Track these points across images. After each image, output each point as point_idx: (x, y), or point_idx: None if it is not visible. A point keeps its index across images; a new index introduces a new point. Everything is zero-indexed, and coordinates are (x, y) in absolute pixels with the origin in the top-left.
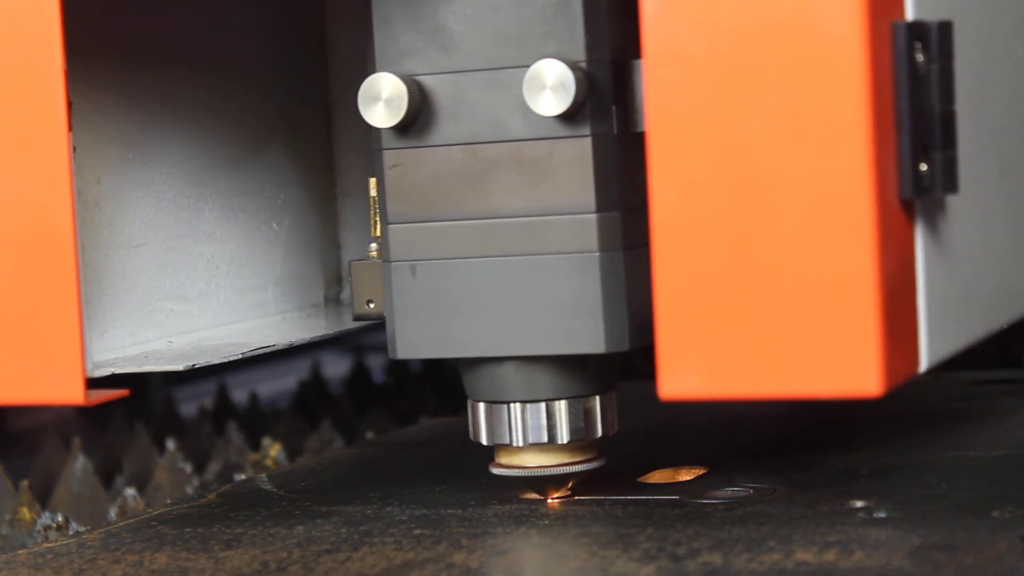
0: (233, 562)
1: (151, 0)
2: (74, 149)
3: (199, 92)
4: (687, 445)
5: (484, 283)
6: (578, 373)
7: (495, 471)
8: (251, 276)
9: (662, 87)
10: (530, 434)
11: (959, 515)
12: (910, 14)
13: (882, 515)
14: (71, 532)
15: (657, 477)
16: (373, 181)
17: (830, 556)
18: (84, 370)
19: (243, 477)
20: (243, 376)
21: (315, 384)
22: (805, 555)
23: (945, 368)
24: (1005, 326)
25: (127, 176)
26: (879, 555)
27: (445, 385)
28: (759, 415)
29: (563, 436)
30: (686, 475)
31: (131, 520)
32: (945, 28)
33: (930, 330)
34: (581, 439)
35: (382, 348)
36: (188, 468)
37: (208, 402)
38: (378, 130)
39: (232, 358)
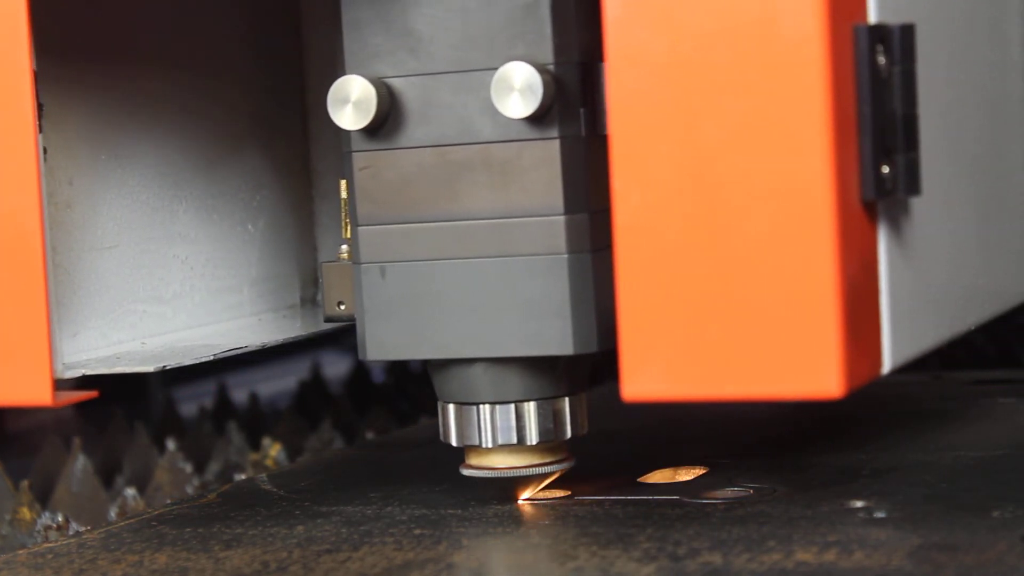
0: (233, 562)
1: (127, 3)
2: (45, 151)
3: (173, 93)
4: (687, 445)
5: (453, 285)
6: (547, 374)
7: (465, 472)
8: (226, 278)
9: (625, 90)
10: (499, 435)
11: (959, 515)
12: (872, 17)
13: (882, 515)
14: (71, 532)
15: (657, 477)
16: (344, 183)
17: (830, 556)
18: (52, 371)
19: (243, 477)
20: (243, 376)
21: (315, 384)
22: (805, 555)
23: (945, 368)
24: (973, 327)
25: (100, 177)
26: (879, 555)
27: None
28: (759, 415)
29: (532, 437)
30: (686, 475)
31: (131, 520)
32: (907, 31)
33: (894, 331)
34: (550, 440)
35: None
36: (188, 468)
37: (208, 402)
38: (348, 132)
39: (204, 359)
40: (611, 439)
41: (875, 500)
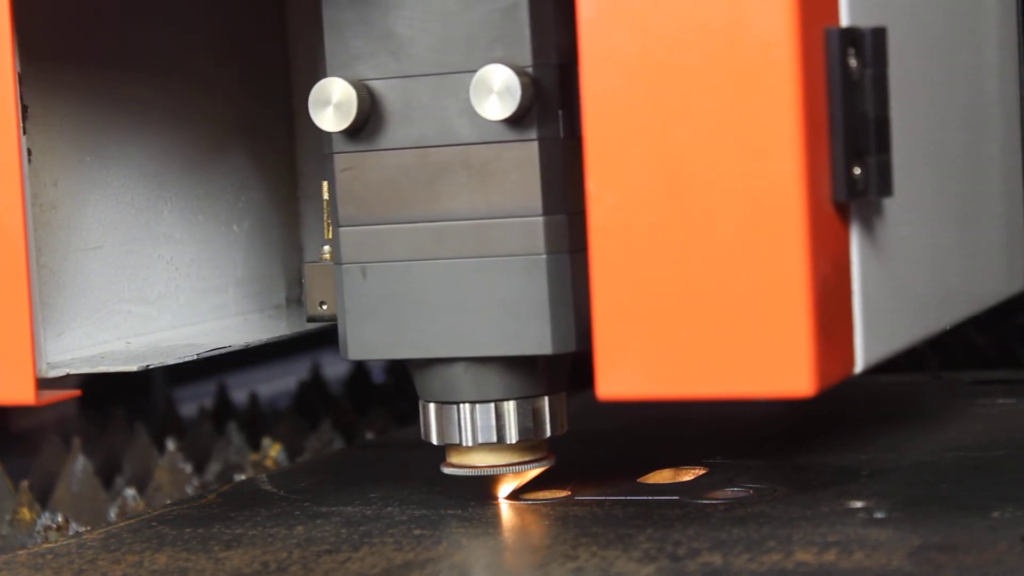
0: (233, 562)
1: (109, 3)
2: (30, 152)
3: (158, 95)
4: (687, 445)
5: (433, 285)
6: (527, 374)
7: (446, 471)
8: (211, 278)
9: (599, 92)
10: (480, 434)
11: (959, 515)
12: (844, 20)
13: (882, 515)
14: (71, 532)
15: (657, 477)
16: (325, 184)
17: (830, 556)
18: (36, 371)
19: (243, 477)
20: (243, 376)
21: (315, 384)
22: (805, 555)
23: (945, 368)
24: (949, 327)
25: (85, 178)
26: (879, 555)
27: None
28: (759, 415)
29: (512, 436)
30: (686, 475)
31: (131, 520)
32: (879, 34)
33: (867, 331)
34: (530, 439)
35: None
36: (188, 468)
37: (208, 402)
38: (329, 134)
39: (187, 358)
40: (611, 439)
41: (875, 500)
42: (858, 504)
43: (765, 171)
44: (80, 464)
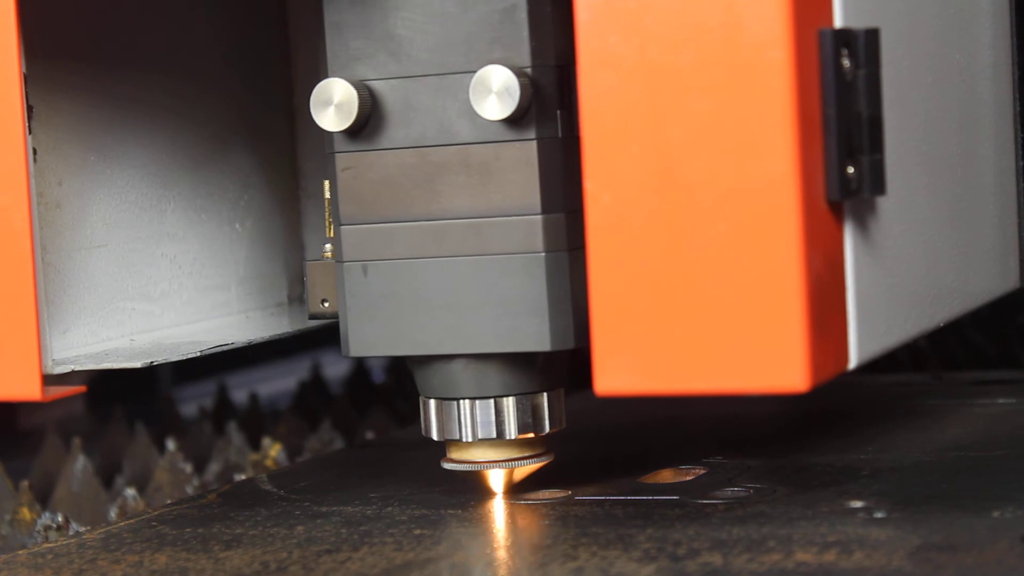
0: (233, 562)
1: (116, 5)
2: (35, 151)
3: (161, 94)
4: (687, 445)
5: (434, 283)
6: (526, 370)
7: (446, 466)
8: (214, 276)
9: (595, 92)
10: (479, 430)
11: (959, 515)
12: (838, 21)
13: (882, 515)
14: (71, 532)
15: (657, 477)
16: (327, 183)
17: (830, 556)
18: (42, 367)
19: (243, 477)
20: (243, 376)
21: (315, 384)
22: (805, 555)
23: (945, 368)
24: (941, 324)
25: (89, 178)
26: (879, 555)
27: None
28: (758, 415)
29: (511, 432)
30: (686, 475)
31: (131, 520)
32: (872, 35)
33: (860, 328)
34: (529, 435)
35: None
36: (188, 468)
37: (208, 402)
38: (330, 134)
39: (191, 355)
40: (611, 439)
41: (875, 500)
42: (858, 504)
43: (760, 170)
44: (80, 464)
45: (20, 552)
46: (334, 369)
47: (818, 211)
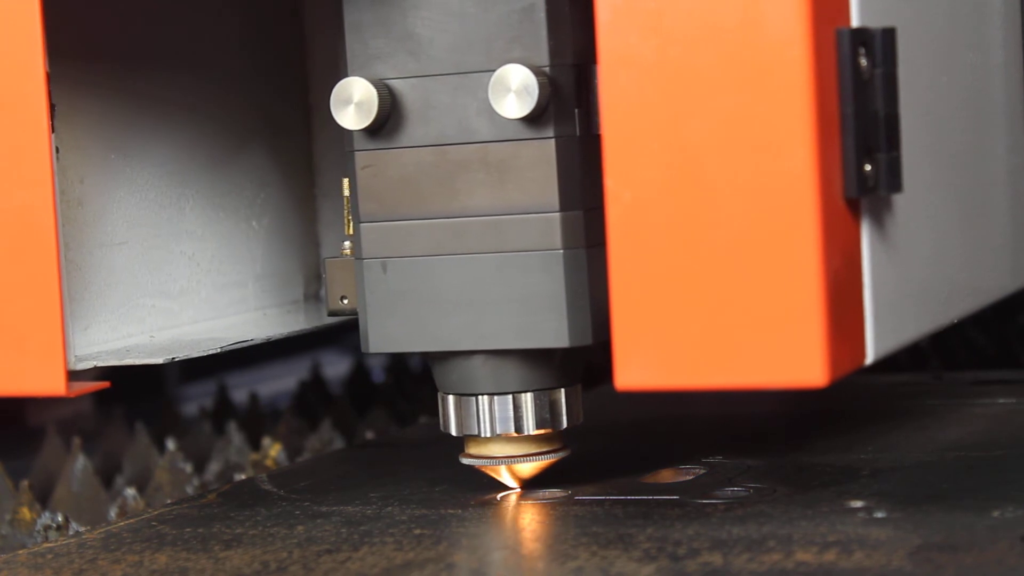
0: (233, 562)
1: (133, 3)
2: (57, 150)
3: (180, 93)
4: (687, 445)
5: (452, 280)
6: (544, 366)
7: (464, 461)
8: (231, 273)
9: (616, 91)
10: (498, 425)
11: (959, 515)
12: (855, 21)
13: (882, 515)
14: (71, 532)
15: (657, 477)
16: (346, 181)
17: (830, 556)
18: (66, 363)
19: (243, 477)
20: (243, 376)
21: (315, 384)
22: (805, 555)
23: (946, 368)
24: (956, 321)
25: (110, 176)
26: (879, 555)
27: None
28: (758, 415)
29: (529, 427)
30: (686, 475)
31: (131, 520)
32: (889, 34)
33: (876, 323)
34: (547, 430)
35: None
36: (188, 468)
37: (208, 402)
38: (350, 132)
39: (211, 352)
40: (611, 438)
41: (875, 500)
42: (858, 504)
43: (779, 167)
44: (80, 464)
45: (20, 552)
46: (334, 369)
47: (836, 208)
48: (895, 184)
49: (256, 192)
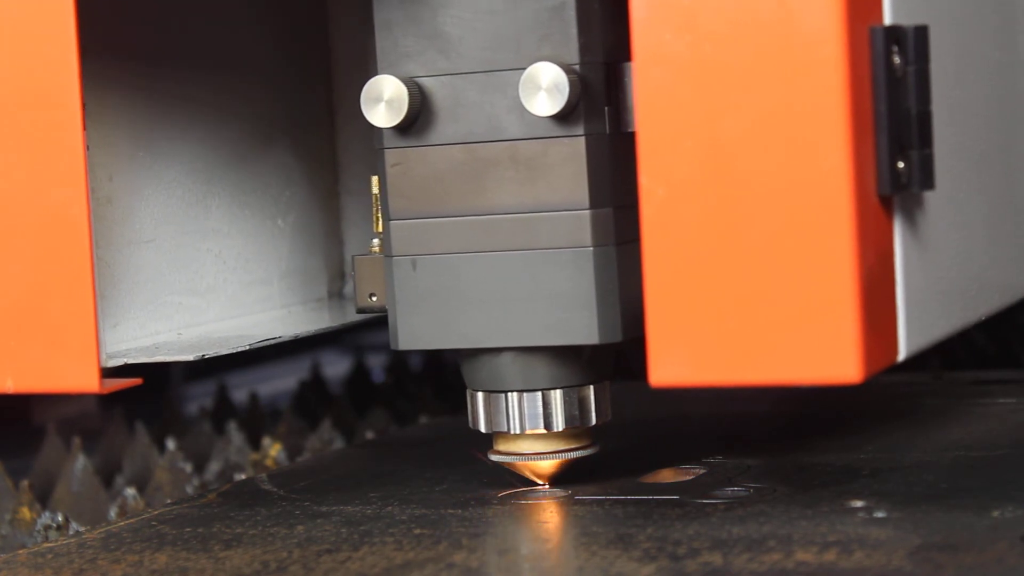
0: (233, 562)
1: (161, 4)
2: (87, 148)
3: (207, 92)
4: (687, 445)
5: (482, 277)
6: (573, 363)
7: (494, 458)
8: (257, 271)
9: (650, 88)
10: (527, 422)
11: (959, 515)
12: (888, 19)
13: (882, 515)
14: (71, 532)
15: (657, 477)
16: (375, 179)
17: (830, 556)
18: (100, 360)
19: (243, 477)
20: (243, 376)
21: (315, 384)
22: (805, 555)
23: (946, 368)
24: (983, 318)
25: (138, 174)
26: (879, 555)
27: (445, 385)
28: (758, 415)
29: (559, 424)
30: (686, 475)
31: (131, 520)
32: (921, 32)
33: (908, 320)
34: (576, 427)
35: (382, 348)
36: (188, 468)
37: (208, 402)
38: (380, 130)
39: (240, 348)
40: (611, 438)
41: (875, 500)
42: (858, 504)
43: (813, 164)
44: (80, 464)
45: (20, 552)
46: (334, 369)
47: (870, 205)
48: (928, 182)
49: (281, 190)
